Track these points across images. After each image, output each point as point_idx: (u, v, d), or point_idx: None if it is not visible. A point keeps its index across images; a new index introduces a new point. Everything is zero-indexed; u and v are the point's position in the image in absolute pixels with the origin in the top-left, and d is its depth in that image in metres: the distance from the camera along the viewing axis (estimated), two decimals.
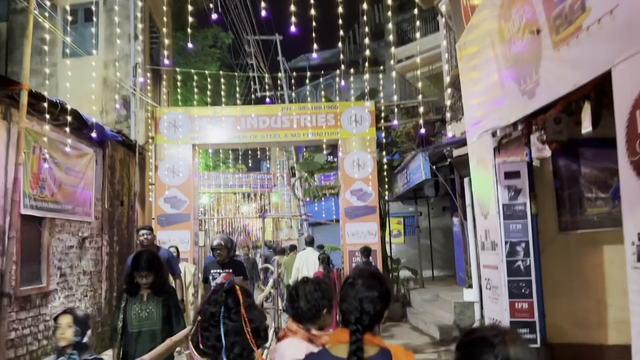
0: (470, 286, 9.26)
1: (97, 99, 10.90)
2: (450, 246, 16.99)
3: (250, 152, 17.41)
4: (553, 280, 5.57)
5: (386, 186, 12.30)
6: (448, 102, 10.73)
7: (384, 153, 12.17)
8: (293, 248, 12.70)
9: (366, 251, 9.63)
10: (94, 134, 7.69)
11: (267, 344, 2.99)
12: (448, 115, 11.13)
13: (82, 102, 9.78)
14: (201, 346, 1.89)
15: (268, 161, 26.77)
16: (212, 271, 5.97)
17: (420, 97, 13.01)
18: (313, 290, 2.49)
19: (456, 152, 6.47)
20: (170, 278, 6.11)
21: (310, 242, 10.46)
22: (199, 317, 1.94)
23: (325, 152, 12.61)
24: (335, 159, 13.47)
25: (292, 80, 14.13)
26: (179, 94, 13.37)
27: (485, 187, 4.84)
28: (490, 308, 4.87)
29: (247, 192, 23.29)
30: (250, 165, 22.79)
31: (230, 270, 5.89)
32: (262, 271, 14.11)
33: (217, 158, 24.45)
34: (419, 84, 13.83)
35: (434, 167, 9.94)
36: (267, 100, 13.07)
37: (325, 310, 2.51)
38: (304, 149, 15.42)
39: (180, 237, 11.17)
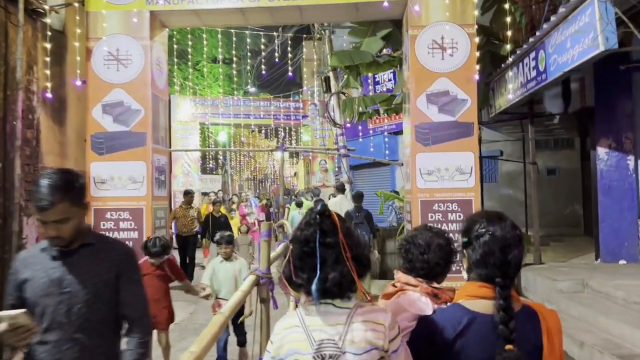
0: None
1: None
2: (546, 198, 12.62)
3: (263, 57, 11.94)
4: None
5: (492, 93, 7.08)
6: None
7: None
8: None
9: (358, 197, 8.14)
10: None
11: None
12: None
13: None
14: (294, 278, 1.64)
15: (300, 90, 21.53)
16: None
17: None
18: (445, 244, 2.13)
19: None
20: None
21: (340, 189, 9.12)
22: (290, 246, 1.67)
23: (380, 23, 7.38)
24: (398, 51, 8.23)
25: None
26: None
27: None
28: None
29: (266, 125, 18.19)
30: (262, 81, 17.46)
31: None
32: (279, 229, 9.29)
33: (234, 84, 19.42)
34: None
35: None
36: None
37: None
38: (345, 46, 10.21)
39: (128, 172, 6.43)
